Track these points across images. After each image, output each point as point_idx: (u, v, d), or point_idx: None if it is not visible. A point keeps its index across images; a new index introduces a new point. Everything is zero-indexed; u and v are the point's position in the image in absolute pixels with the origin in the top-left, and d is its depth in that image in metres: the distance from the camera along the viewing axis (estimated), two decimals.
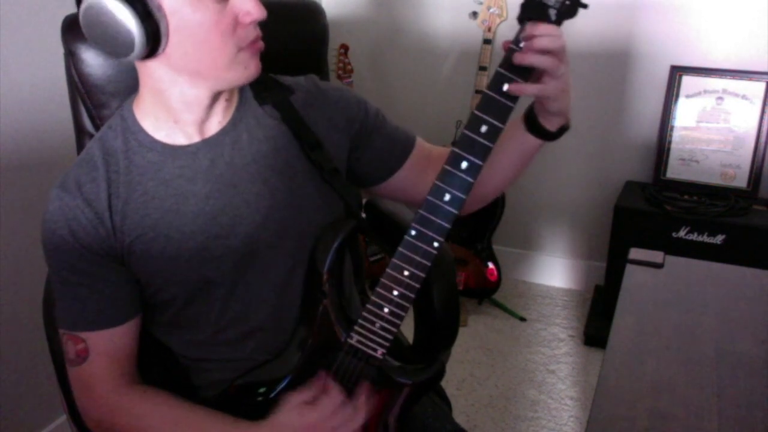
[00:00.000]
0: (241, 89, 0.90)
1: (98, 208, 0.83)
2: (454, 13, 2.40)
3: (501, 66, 0.76)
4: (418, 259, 0.82)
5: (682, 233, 2.03)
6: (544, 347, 2.23)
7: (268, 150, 0.89)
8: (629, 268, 1.14)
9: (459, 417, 1.76)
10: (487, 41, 2.24)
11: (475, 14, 2.25)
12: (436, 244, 0.81)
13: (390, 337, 0.87)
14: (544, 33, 0.73)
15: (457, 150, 0.78)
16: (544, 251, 2.62)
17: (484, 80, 2.24)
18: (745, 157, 2.13)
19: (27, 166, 1.50)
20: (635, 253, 1.17)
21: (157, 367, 0.94)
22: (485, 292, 2.35)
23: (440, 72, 2.53)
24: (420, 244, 0.81)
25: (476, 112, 0.76)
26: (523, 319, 2.38)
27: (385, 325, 0.86)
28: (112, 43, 0.75)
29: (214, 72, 0.80)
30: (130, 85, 0.92)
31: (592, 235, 2.49)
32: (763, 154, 2.11)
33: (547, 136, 0.86)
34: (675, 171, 2.22)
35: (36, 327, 1.04)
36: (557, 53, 0.75)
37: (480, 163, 0.77)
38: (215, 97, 0.84)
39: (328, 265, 0.90)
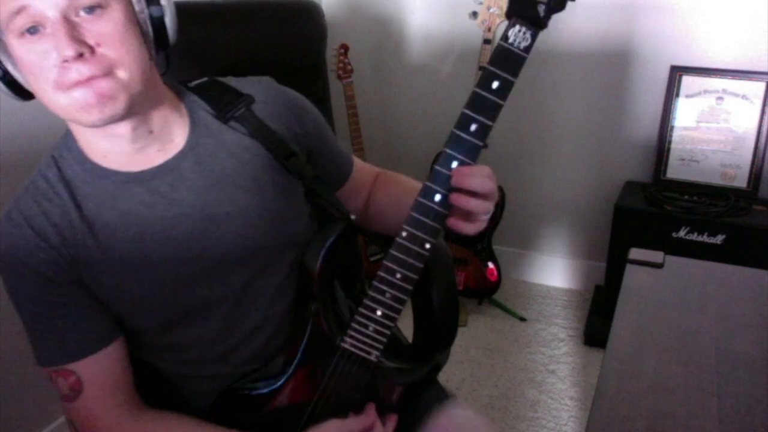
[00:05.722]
0: (191, 112, 0.86)
1: (52, 241, 0.79)
2: (454, 13, 2.40)
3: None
4: (410, 261, 0.80)
5: (682, 233, 2.03)
6: (544, 347, 2.23)
7: (233, 168, 0.86)
8: (629, 268, 1.14)
9: None
10: (487, 41, 2.23)
11: (475, 14, 2.25)
12: (428, 246, 0.79)
13: (383, 339, 0.86)
14: (472, 174, 0.75)
15: (448, 150, 0.77)
16: (544, 251, 2.62)
17: None
18: (745, 157, 2.13)
19: (27, 166, 1.49)
20: (635, 253, 1.17)
21: (142, 382, 0.91)
22: (485, 292, 2.35)
23: (440, 72, 2.53)
24: (412, 246, 0.80)
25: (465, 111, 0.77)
26: (523, 319, 2.38)
27: (379, 327, 0.85)
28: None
29: (59, 113, 0.76)
30: None
31: (592, 235, 2.48)
32: (763, 154, 2.10)
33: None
34: (675, 171, 2.22)
35: None
36: (485, 195, 0.77)
37: (471, 162, 0.77)
38: (121, 132, 0.78)
39: (319, 268, 0.88)
